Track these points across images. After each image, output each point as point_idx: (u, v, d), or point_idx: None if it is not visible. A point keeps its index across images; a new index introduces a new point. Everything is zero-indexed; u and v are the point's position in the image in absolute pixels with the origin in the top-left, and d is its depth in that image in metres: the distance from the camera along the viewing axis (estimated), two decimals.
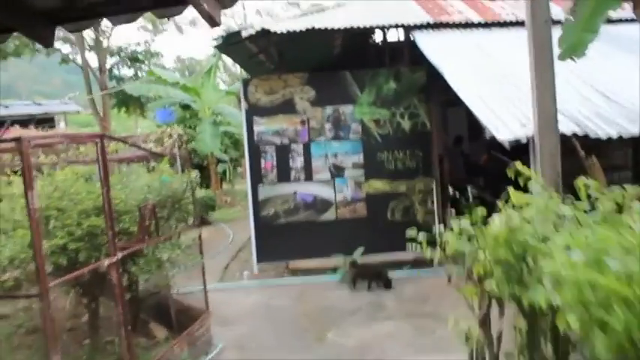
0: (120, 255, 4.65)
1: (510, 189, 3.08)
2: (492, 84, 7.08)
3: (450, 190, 4.18)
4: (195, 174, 6.40)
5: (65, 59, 22.10)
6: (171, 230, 6.09)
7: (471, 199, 8.41)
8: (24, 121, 18.22)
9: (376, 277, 8.58)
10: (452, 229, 3.86)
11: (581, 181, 2.85)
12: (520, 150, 5.56)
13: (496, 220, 2.84)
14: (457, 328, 3.70)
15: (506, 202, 3.09)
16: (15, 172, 6.44)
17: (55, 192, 5.75)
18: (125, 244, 5.17)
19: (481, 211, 3.78)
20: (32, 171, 3.59)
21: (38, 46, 21.09)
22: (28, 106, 21.58)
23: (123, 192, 5.89)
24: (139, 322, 6.96)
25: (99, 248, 5.41)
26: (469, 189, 3.97)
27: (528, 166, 3.97)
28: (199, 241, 6.62)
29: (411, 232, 3.80)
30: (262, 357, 6.37)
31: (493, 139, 5.97)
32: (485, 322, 3.27)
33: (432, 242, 4.19)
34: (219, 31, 9.81)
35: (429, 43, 8.65)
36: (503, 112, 5.83)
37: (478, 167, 13.03)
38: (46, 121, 20.01)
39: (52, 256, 5.37)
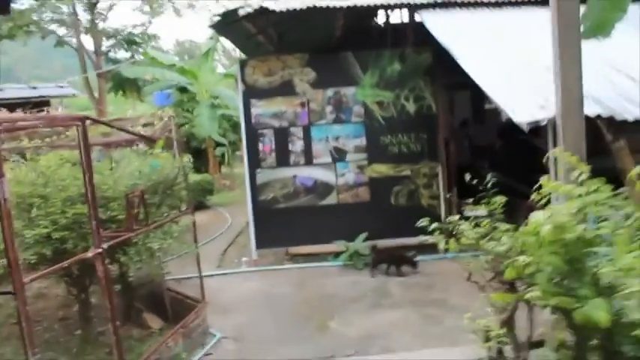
0: (105, 245, 4.32)
1: (544, 177, 2.70)
2: (506, 65, 6.67)
3: (467, 176, 3.80)
4: (187, 158, 6.04)
5: (60, 42, 21.61)
6: (163, 218, 5.75)
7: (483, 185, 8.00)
8: (19, 105, 17.74)
9: (400, 261, 8.25)
10: (467, 219, 3.54)
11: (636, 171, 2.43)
12: (529, 133, 5.19)
13: (539, 215, 2.38)
14: (473, 325, 3.38)
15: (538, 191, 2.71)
16: None
17: (39, 178, 5.43)
18: (112, 233, 4.84)
19: (500, 199, 3.45)
20: (0, 155, 3.24)
21: (32, 28, 20.63)
22: (22, 89, 21.10)
23: (111, 178, 5.56)
24: (132, 312, 6.68)
25: (86, 237, 5.10)
26: (489, 175, 3.60)
27: (544, 151, 3.63)
28: (194, 229, 6.28)
29: (423, 222, 3.46)
30: (261, 348, 6.08)
31: (502, 123, 5.60)
32: (509, 324, 2.93)
33: (439, 229, 3.87)
34: (216, 11, 9.38)
35: (436, 23, 8.20)
36: (520, 94, 5.45)
37: (484, 151, 12.71)
38: (42, 104, 19.56)
39: (35, 246, 5.07)
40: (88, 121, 4.33)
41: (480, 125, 14.23)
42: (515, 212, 4.00)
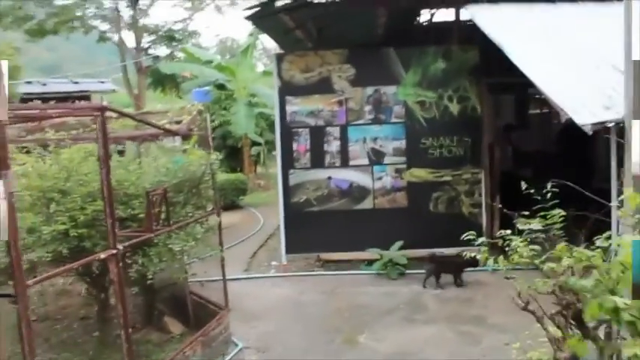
0: (121, 246, 4.01)
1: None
2: (564, 64, 6.11)
3: (523, 184, 3.30)
4: (215, 155, 5.71)
5: (103, 38, 21.75)
6: (187, 218, 5.44)
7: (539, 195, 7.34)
8: (61, 99, 17.96)
9: (462, 267, 7.52)
10: (520, 233, 3.09)
11: None
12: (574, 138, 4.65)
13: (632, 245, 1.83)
14: (523, 356, 2.92)
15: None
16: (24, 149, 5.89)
17: (61, 172, 5.19)
18: (130, 232, 4.54)
19: (559, 212, 2.99)
20: (7, 146, 2.95)
21: (76, 23, 20.86)
22: (65, 84, 21.45)
23: (135, 174, 5.29)
24: (153, 315, 6.43)
25: (106, 236, 4.83)
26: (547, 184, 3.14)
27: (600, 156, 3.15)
28: (219, 230, 5.95)
29: (468, 235, 3.03)
30: None
31: (560, 126, 5.08)
32: None
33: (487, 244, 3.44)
34: (254, 3, 9.09)
35: (487, 20, 7.67)
36: (581, 94, 4.91)
37: (528, 158, 12.16)
38: (83, 99, 19.78)
39: (52, 243, 4.82)
40: (107, 112, 4.04)
41: (523, 130, 13.64)
42: (576, 228, 3.51)
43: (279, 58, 9.23)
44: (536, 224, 3.18)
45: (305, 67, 9.04)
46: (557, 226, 3.04)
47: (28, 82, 18.55)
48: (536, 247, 2.93)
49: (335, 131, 9.05)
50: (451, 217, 8.66)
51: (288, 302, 7.57)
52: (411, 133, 8.95)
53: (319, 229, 8.91)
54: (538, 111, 15.31)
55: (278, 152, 9.23)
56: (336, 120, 9.04)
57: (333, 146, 9.05)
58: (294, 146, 9.08)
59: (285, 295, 7.83)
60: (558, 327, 2.51)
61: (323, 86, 8.99)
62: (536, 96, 14.29)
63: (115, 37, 21.55)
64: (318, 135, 9.05)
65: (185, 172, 5.45)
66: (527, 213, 3.11)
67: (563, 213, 3.08)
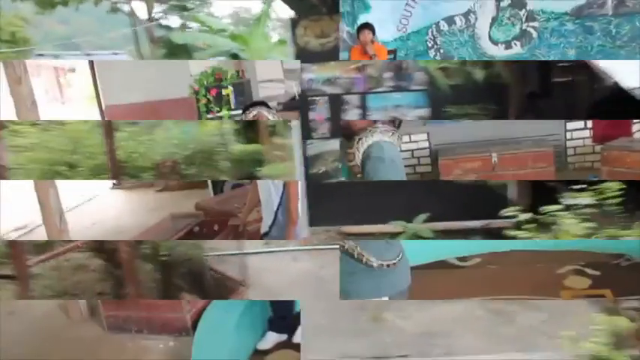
0: None
1: None
2: None
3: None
4: (229, 125, 5.43)
5: (114, 8, 21.41)
6: None
7: None
8: None
9: None
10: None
11: None
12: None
13: None
14: (575, 346, 2.61)
15: None
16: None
17: (67, 144, 4.95)
18: None
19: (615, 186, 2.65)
20: None
21: None
22: (78, 56, 21.24)
23: (143, 145, 5.03)
24: (170, 291, 6.24)
25: None
26: None
27: None
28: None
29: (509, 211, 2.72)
30: (305, 341, 5.45)
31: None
32: None
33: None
34: None
35: None
36: None
37: None
38: None
39: None
40: None
41: (547, 99, 13.16)
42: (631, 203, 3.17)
43: (294, 23, 8.81)
44: (585, 198, 2.85)
45: (320, 33, 8.64)
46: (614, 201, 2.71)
47: (40, 55, 18.33)
48: (590, 224, 2.60)
49: (354, 99, 8.67)
50: (477, 188, 8.29)
51: (309, 277, 7.32)
52: (434, 100, 8.54)
53: (340, 201, 8.59)
54: (561, 79, 14.83)
55: (295, 122, 8.90)
56: (355, 88, 8.66)
57: (352, 115, 8.68)
58: (312, 116, 8.73)
59: (306, 270, 7.59)
60: (632, 320, 2.20)
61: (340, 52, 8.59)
62: (559, 64, 13.81)
63: (126, 8, 21.18)
64: (336, 103, 8.68)
65: (197, 143, 5.17)
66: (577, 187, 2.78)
67: (622, 186, 2.74)
